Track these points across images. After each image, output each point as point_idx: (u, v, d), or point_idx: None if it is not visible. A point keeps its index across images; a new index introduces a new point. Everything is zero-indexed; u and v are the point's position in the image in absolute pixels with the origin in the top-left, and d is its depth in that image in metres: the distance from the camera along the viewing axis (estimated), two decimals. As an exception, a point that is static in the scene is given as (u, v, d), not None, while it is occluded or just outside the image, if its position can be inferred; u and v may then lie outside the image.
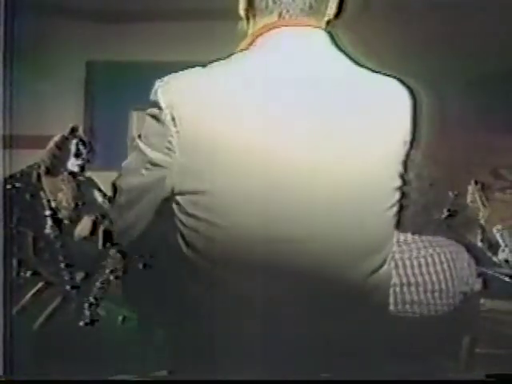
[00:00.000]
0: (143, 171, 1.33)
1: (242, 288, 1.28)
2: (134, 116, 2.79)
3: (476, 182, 2.10)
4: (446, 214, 2.22)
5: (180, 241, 1.35)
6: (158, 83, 1.33)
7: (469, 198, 2.16)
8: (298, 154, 1.25)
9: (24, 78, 2.91)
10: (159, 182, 1.32)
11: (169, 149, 1.28)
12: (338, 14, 1.36)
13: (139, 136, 1.36)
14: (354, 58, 1.32)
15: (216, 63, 1.34)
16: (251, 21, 1.40)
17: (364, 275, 1.33)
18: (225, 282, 1.29)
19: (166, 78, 1.32)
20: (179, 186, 1.30)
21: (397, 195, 1.33)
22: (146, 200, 1.36)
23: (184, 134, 1.27)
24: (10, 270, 2.48)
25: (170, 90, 1.30)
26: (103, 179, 2.62)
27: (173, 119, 1.27)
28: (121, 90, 2.76)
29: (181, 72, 1.33)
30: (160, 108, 1.30)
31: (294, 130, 1.27)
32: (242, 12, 1.41)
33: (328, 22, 1.34)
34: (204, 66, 1.31)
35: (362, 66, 1.33)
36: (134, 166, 1.35)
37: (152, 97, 1.33)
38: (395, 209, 1.34)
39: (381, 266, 1.36)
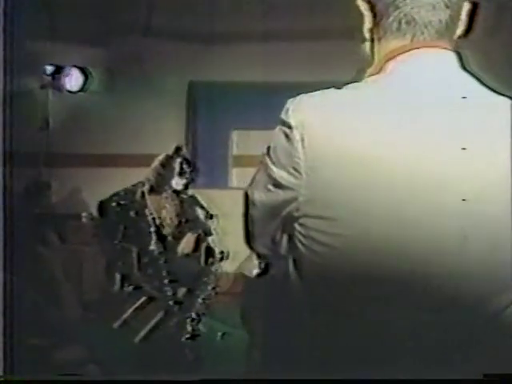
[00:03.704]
0: (271, 188, 1.32)
1: (363, 315, 1.27)
2: (235, 135, 2.85)
3: None
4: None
5: (290, 262, 1.35)
6: (290, 101, 1.31)
7: None
8: (433, 182, 1.24)
9: (128, 100, 3.02)
10: (286, 202, 1.30)
11: (295, 169, 1.26)
12: (466, 33, 1.33)
13: (268, 152, 1.34)
14: (481, 80, 1.30)
15: (349, 86, 1.31)
16: (376, 43, 1.35)
17: (499, 306, 1.30)
18: (343, 309, 1.28)
19: (298, 97, 1.29)
20: (304, 209, 1.28)
21: None
22: (275, 217, 1.35)
23: (312, 157, 1.25)
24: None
25: (301, 110, 1.27)
26: (205, 197, 2.68)
27: (302, 139, 1.24)
28: (222, 110, 2.81)
29: (314, 92, 1.30)
30: (290, 127, 1.28)
31: (427, 153, 1.25)
32: (366, 33, 1.36)
33: (456, 41, 1.31)
34: (338, 87, 1.29)
35: (488, 88, 1.31)
36: (262, 182, 1.34)
37: (283, 115, 1.30)
38: None
39: None
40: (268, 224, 1.36)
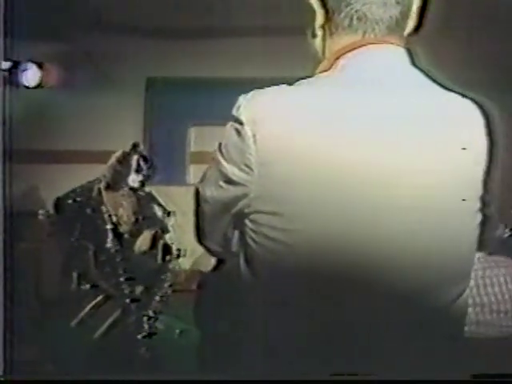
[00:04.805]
0: (222, 184, 1.31)
1: (312, 309, 1.27)
2: (192, 132, 2.83)
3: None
4: (508, 232, 2.19)
5: (241, 258, 1.34)
6: (241, 98, 1.29)
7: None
8: (382, 177, 1.24)
9: (85, 96, 2.98)
10: (238, 198, 1.30)
11: (247, 165, 1.25)
12: (417, 29, 1.34)
13: (219, 148, 1.33)
14: (431, 76, 1.31)
15: (301, 82, 1.30)
16: (328, 39, 1.35)
17: (449, 299, 1.31)
18: (295, 305, 1.28)
19: (250, 94, 1.28)
20: (256, 205, 1.27)
21: (477, 217, 1.30)
22: (226, 214, 1.34)
23: (263, 153, 1.24)
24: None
25: (253, 106, 1.26)
26: (163, 194, 2.66)
27: (253, 136, 1.24)
28: (179, 107, 2.80)
29: (266, 88, 1.29)
30: (241, 123, 1.27)
31: (377, 149, 1.26)
32: (318, 30, 1.36)
33: (406, 37, 1.32)
34: (289, 83, 1.28)
35: (438, 84, 1.32)
36: (213, 178, 1.33)
37: (234, 111, 1.29)
38: (476, 230, 1.31)
39: (464, 291, 1.33)
40: (219, 221, 1.35)
